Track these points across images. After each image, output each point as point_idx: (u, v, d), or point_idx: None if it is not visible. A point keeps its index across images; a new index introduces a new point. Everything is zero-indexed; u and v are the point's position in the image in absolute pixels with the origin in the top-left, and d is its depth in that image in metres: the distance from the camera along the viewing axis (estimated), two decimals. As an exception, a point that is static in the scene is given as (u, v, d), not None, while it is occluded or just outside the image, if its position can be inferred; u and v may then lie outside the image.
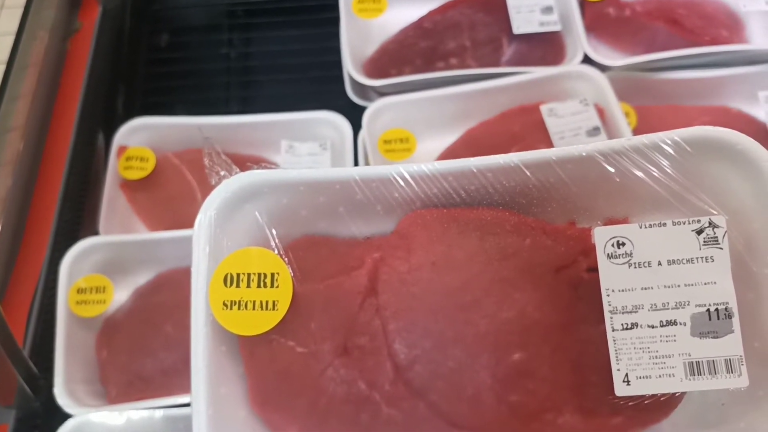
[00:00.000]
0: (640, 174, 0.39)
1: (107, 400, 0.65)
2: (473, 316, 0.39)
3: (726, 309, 0.36)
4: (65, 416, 0.59)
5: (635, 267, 0.37)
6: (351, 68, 0.78)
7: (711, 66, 0.79)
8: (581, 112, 0.73)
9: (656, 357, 0.36)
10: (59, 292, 0.66)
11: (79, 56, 0.88)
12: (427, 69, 0.80)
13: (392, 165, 0.40)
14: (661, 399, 0.37)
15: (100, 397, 0.65)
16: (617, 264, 0.37)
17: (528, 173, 0.40)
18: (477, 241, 0.40)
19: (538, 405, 0.38)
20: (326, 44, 0.88)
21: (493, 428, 0.38)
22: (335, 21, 0.84)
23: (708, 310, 0.36)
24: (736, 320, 0.35)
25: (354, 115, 0.77)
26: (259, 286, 0.39)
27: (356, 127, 0.77)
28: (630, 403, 0.37)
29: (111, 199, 0.75)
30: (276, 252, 0.41)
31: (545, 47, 0.81)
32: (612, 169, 0.39)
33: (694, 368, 0.36)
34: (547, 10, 0.80)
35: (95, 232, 0.72)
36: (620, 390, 0.36)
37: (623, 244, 0.37)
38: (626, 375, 0.36)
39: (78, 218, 0.77)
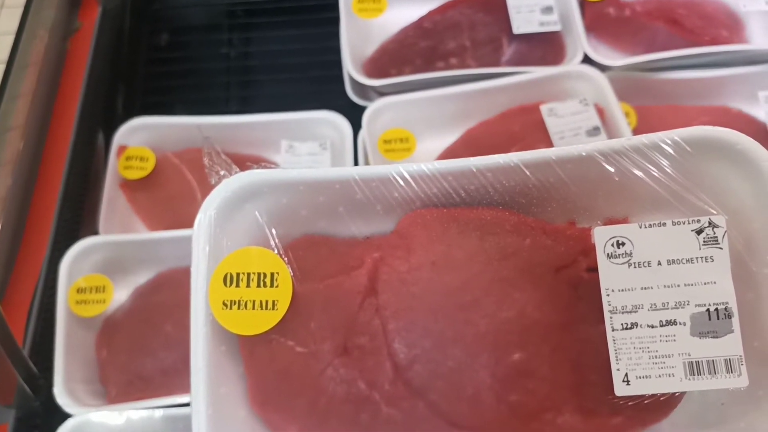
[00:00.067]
0: (639, 174, 0.39)
1: (107, 399, 0.65)
2: (473, 315, 0.39)
3: (726, 309, 0.36)
4: (65, 416, 0.59)
5: (635, 267, 0.37)
6: (351, 68, 0.78)
7: (711, 66, 0.79)
8: (581, 112, 0.73)
9: (656, 357, 0.36)
10: (59, 292, 0.66)
11: (79, 56, 0.88)
12: (427, 69, 0.80)
13: (392, 165, 0.40)
14: (661, 399, 0.37)
15: (99, 397, 0.65)
16: (617, 264, 0.37)
17: (528, 173, 0.40)
18: (477, 241, 0.40)
19: (538, 405, 0.38)
20: (326, 44, 0.88)
21: (492, 428, 0.38)
22: (335, 21, 0.84)
23: (708, 309, 0.36)
24: (735, 320, 0.36)
25: (354, 114, 0.77)
26: (258, 285, 0.39)
27: (356, 126, 0.77)
28: (630, 403, 0.37)
29: (111, 198, 0.75)
30: (276, 252, 0.41)
31: (545, 47, 0.81)
32: (612, 169, 0.39)
33: (694, 368, 0.36)
34: (547, 10, 0.80)
35: (95, 232, 0.72)
36: (620, 390, 0.36)
37: (623, 243, 0.37)
38: (626, 375, 0.36)
39: (78, 218, 0.77)
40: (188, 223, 0.40)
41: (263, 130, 0.80)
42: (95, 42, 0.88)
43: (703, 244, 0.36)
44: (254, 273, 0.39)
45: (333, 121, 0.78)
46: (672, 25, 0.80)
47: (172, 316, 0.67)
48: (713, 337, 0.36)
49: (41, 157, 0.81)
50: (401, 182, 0.40)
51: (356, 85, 0.80)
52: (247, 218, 0.41)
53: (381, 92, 0.79)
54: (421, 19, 0.82)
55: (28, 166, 0.78)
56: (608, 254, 0.37)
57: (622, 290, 0.37)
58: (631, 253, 0.37)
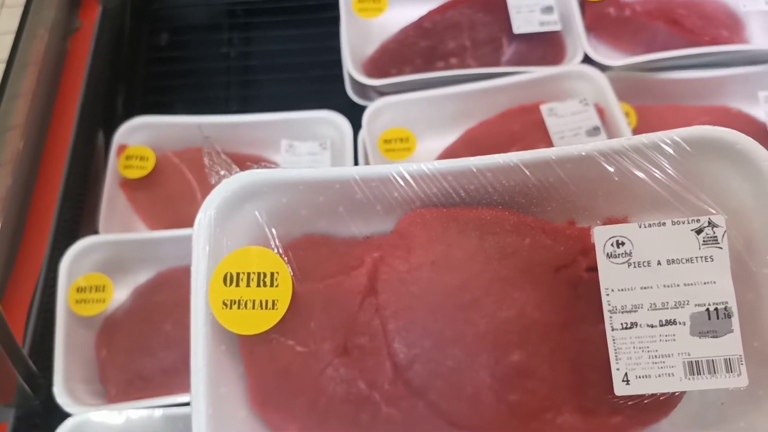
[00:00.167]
0: (639, 174, 0.39)
1: (107, 399, 0.65)
2: (473, 315, 0.39)
3: (725, 308, 0.36)
4: (65, 415, 0.59)
5: (635, 266, 0.37)
6: (351, 68, 0.78)
7: (711, 66, 0.79)
8: (581, 111, 0.73)
9: (656, 356, 0.36)
10: (59, 291, 0.66)
11: (79, 55, 0.88)
12: (427, 69, 0.80)
13: (392, 164, 0.40)
14: (661, 398, 0.37)
15: (99, 396, 0.65)
16: (617, 263, 0.37)
17: (527, 173, 0.40)
18: (476, 241, 0.40)
19: (538, 404, 0.38)
20: (326, 44, 0.88)
21: (492, 427, 0.38)
22: (335, 20, 0.84)
23: (707, 309, 0.36)
24: (735, 320, 0.36)
25: (354, 114, 0.77)
26: (258, 285, 0.39)
27: (356, 126, 0.77)
28: (629, 403, 0.37)
29: (111, 198, 0.75)
30: (276, 251, 0.41)
31: (545, 47, 0.81)
32: (611, 169, 0.39)
33: (694, 368, 0.36)
34: (547, 9, 0.80)
35: (95, 231, 0.72)
36: (620, 389, 0.36)
37: (623, 243, 0.37)
38: (626, 374, 0.36)
39: (78, 217, 0.77)
40: (188, 223, 0.40)
41: (263, 130, 0.80)
42: (95, 42, 0.88)
43: (703, 244, 0.36)
44: (254, 273, 0.39)
45: (333, 120, 0.78)
46: (672, 25, 0.80)
47: (172, 315, 0.67)
48: (713, 337, 0.36)
49: (41, 157, 0.81)
50: (401, 182, 0.40)
51: (356, 84, 0.80)
52: (247, 218, 0.41)
53: (381, 92, 0.79)
54: (421, 19, 0.82)
55: (28, 165, 0.78)
56: (608, 254, 0.37)
57: (622, 290, 0.37)
58: (630, 253, 0.37)
